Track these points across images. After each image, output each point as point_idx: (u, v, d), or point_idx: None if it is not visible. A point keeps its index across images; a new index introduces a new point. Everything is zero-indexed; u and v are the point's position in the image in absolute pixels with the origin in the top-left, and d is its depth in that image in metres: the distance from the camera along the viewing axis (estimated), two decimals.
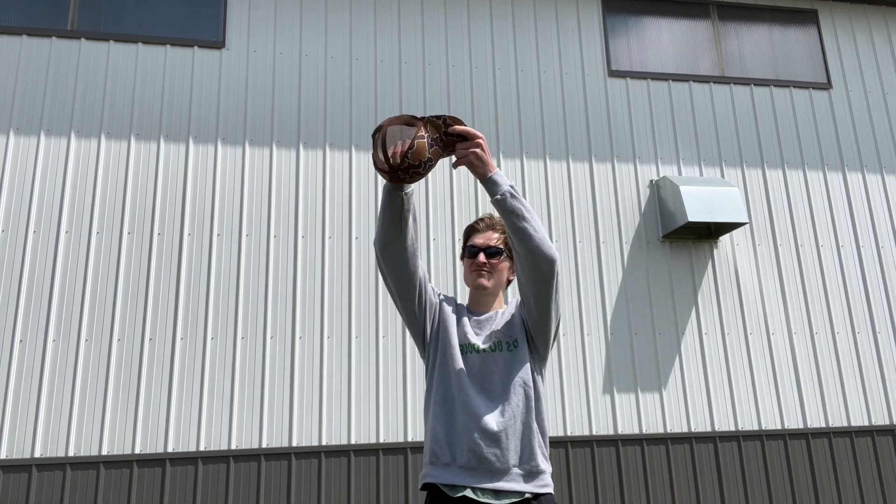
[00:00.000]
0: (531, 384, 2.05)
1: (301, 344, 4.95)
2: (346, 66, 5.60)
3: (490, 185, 1.96)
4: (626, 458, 5.15)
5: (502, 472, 1.96)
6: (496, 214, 2.20)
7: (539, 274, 1.96)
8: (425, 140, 1.88)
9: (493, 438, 1.96)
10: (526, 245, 1.94)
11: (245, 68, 5.43)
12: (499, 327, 2.11)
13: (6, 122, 4.99)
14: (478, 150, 1.94)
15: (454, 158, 1.99)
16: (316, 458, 4.75)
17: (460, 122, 1.94)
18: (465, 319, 2.15)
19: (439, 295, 2.21)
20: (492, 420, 1.98)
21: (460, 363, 2.06)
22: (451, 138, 1.95)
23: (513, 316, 2.13)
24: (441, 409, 2.04)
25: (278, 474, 4.69)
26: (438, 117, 1.92)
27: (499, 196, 1.94)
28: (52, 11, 5.33)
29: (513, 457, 1.97)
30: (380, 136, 1.91)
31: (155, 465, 4.57)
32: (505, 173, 5.57)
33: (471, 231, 2.23)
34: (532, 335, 2.08)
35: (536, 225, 1.95)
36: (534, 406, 2.04)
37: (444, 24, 5.87)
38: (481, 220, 2.23)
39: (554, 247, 1.97)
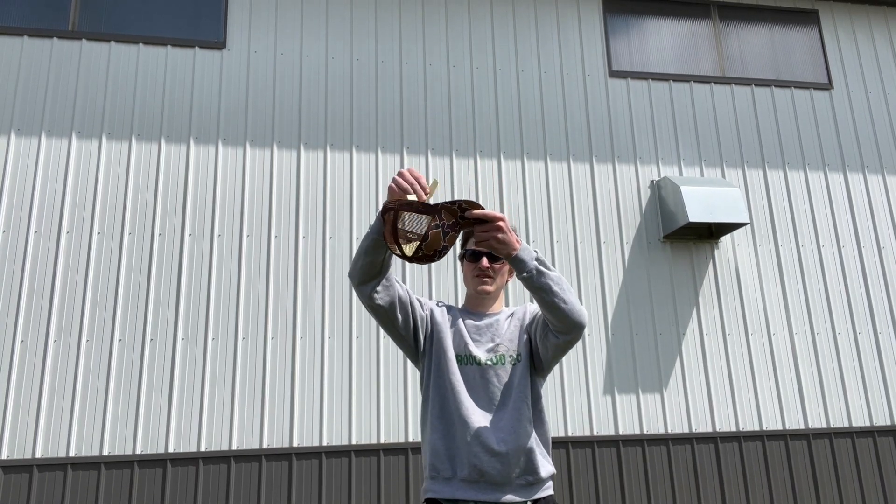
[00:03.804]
0: (532, 395, 2.04)
1: (302, 344, 4.95)
2: (347, 66, 5.60)
3: (516, 263, 1.88)
4: (627, 458, 5.15)
5: (503, 485, 1.96)
6: None
7: (566, 337, 1.95)
8: (440, 230, 1.81)
9: (494, 453, 1.95)
10: (556, 316, 1.90)
11: (246, 69, 5.44)
12: (502, 340, 2.08)
13: (7, 122, 5.00)
14: (498, 235, 1.83)
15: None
16: (317, 458, 4.75)
17: (477, 206, 1.83)
18: (462, 325, 2.11)
19: (429, 304, 2.16)
20: (492, 434, 1.97)
21: (457, 375, 2.03)
22: (468, 221, 1.86)
23: (518, 329, 2.10)
24: (439, 423, 2.02)
25: (279, 475, 4.69)
26: (453, 202, 1.82)
27: (525, 274, 1.88)
28: (53, 12, 5.33)
29: (514, 469, 1.97)
30: (389, 221, 1.84)
31: (156, 465, 4.57)
32: (505, 173, 5.56)
33: (471, 233, 2.19)
34: (541, 362, 2.06)
35: (566, 296, 1.89)
36: (533, 417, 2.02)
37: (444, 24, 5.87)
38: None
39: (584, 311, 1.92)
